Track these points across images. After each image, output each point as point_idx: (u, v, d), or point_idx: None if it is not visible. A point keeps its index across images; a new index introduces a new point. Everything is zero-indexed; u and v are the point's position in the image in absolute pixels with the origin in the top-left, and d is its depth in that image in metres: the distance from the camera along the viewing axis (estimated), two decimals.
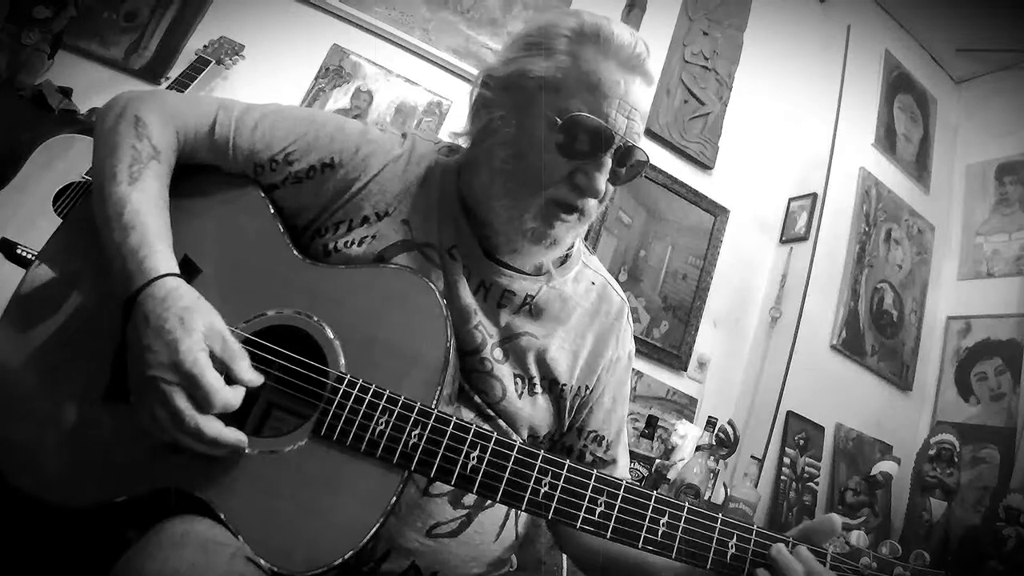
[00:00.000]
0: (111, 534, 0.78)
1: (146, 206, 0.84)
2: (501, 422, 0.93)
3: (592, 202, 0.91)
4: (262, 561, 0.71)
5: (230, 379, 0.77)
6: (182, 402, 0.72)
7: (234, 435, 0.75)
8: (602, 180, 0.88)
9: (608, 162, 0.88)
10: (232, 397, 0.75)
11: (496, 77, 0.94)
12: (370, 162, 0.97)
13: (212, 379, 0.73)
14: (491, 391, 0.92)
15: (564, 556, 1.47)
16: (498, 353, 0.94)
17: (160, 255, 0.81)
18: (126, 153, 0.87)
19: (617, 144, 0.88)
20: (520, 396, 0.94)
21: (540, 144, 0.87)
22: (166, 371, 0.73)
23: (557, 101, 0.87)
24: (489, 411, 0.92)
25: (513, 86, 0.92)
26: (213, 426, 0.73)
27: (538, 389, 0.96)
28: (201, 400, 0.73)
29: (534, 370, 0.96)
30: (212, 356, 0.76)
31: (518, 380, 0.95)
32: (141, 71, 2.23)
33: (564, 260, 1.04)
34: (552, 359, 0.97)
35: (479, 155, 0.96)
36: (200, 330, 0.75)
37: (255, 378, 0.79)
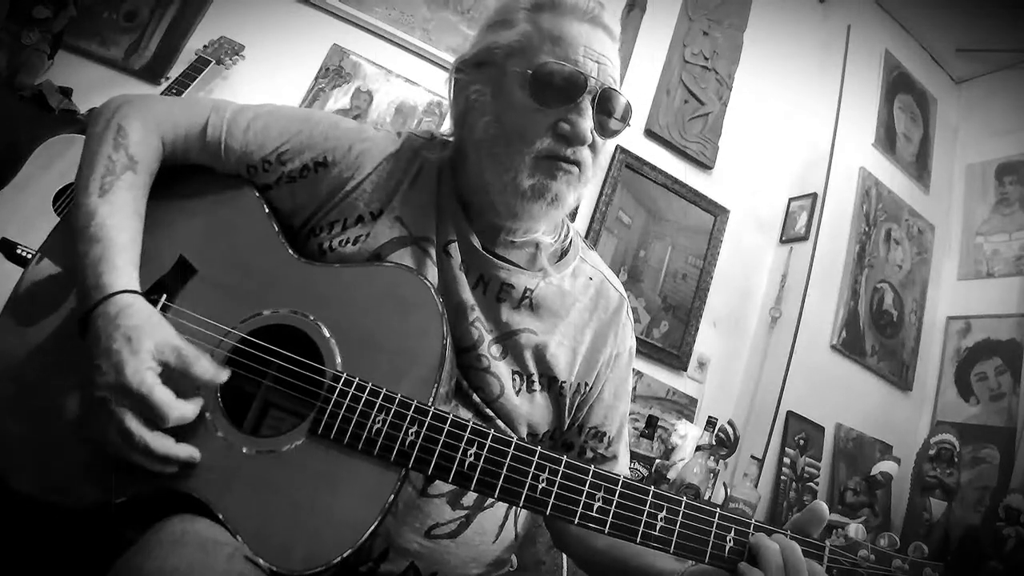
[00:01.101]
0: (110, 534, 0.78)
1: (112, 220, 0.84)
2: (499, 421, 0.93)
3: (586, 155, 0.91)
4: (261, 560, 0.71)
5: (192, 386, 0.77)
6: (131, 422, 0.72)
7: (185, 451, 0.75)
8: (585, 124, 0.88)
9: (587, 106, 0.88)
10: (187, 409, 0.75)
11: (466, 60, 0.97)
12: (364, 160, 0.97)
13: (161, 395, 0.73)
14: (488, 388, 0.92)
15: (564, 556, 1.46)
16: (495, 350, 0.94)
17: (119, 271, 0.81)
18: (100, 164, 0.88)
19: (592, 87, 0.88)
20: (518, 393, 0.94)
21: (517, 103, 0.89)
22: (113, 392, 0.73)
23: (525, 60, 0.89)
24: (487, 409, 0.92)
25: (483, 61, 0.94)
26: (162, 443, 0.73)
27: (536, 387, 0.96)
28: (155, 418, 0.73)
29: (532, 367, 0.96)
30: (168, 368, 0.76)
31: (516, 377, 0.94)
32: (141, 71, 2.23)
33: (562, 255, 1.04)
34: (552, 356, 0.96)
35: (464, 136, 0.97)
36: (148, 349, 0.75)
37: (218, 373, 0.78)
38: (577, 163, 0.90)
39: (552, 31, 0.89)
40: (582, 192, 0.95)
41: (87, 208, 0.84)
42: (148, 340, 0.75)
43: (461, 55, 0.98)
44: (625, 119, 0.93)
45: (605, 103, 0.90)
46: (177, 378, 0.76)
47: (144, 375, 0.73)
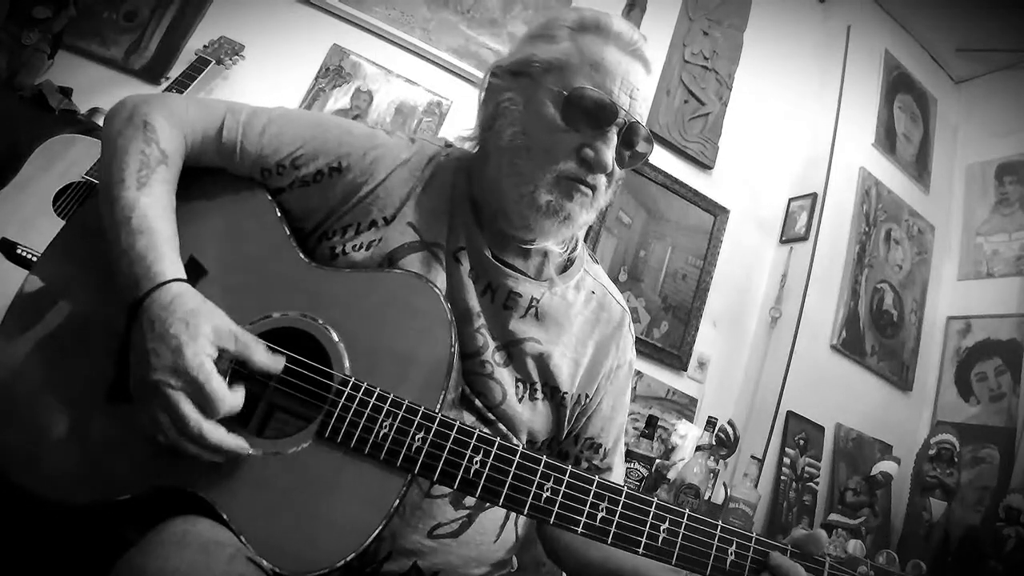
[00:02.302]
0: (111, 534, 0.78)
1: (154, 211, 0.84)
2: (501, 426, 0.93)
3: (602, 181, 0.92)
4: (264, 562, 0.71)
5: (248, 371, 0.78)
6: (186, 407, 0.72)
7: (235, 441, 0.75)
8: (609, 154, 0.89)
9: (614, 136, 0.90)
10: (236, 402, 0.76)
11: (503, 66, 0.97)
12: (378, 166, 0.97)
13: (217, 385, 0.74)
14: (490, 393, 0.93)
15: None
16: (499, 357, 0.94)
17: (167, 260, 0.81)
18: (134, 158, 0.87)
19: (622, 119, 0.90)
20: (520, 400, 0.94)
21: (546, 119, 0.90)
22: (170, 376, 0.73)
23: (562, 79, 0.90)
24: (489, 414, 0.93)
25: (519, 71, 0.95)
26: (216, 432, 0.73)
27: (539, 395, 0.96)
28: (206, 406, 0.73)
29: (536, 375, 0.96)
30: (225, 354, 0.76)
31: (519, 384, 0.95)
32: (141, 71, 2.23)
33: (567, 267, 1.04)
34: (555, 366, 0.97)
35: (488, 140, 0.98)
36: (206, 334, 0.75)
37: (275, 362, 0.80)
38: (593, 188, 0.91)
39: (593, 56, 0.91)
40: (592, 216, 0.96)
41: (126, 200, 0.84)
42: (206, 324, 0.76)
43: (498, 60, 0.99)
44: (646, 151, 0.95)
45: (630, 136, 0.92)
46: (231, 364, 0.77)
47: (203, 360, 0.74)
